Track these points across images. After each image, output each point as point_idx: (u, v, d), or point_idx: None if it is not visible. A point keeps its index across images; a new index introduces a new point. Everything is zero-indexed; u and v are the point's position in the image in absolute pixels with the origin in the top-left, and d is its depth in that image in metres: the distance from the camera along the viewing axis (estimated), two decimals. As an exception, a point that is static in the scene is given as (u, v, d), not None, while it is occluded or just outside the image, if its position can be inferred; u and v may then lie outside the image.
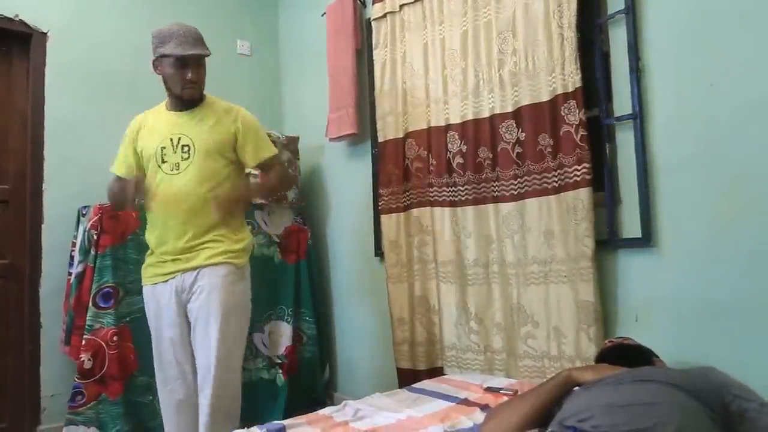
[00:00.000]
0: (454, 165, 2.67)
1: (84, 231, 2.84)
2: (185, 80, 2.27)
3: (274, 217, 3.37)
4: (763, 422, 1.35)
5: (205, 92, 2.42)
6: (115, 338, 2.73)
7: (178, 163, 2.29)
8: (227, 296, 2.29)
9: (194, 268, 2.28)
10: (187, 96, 2.31)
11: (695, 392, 1.39)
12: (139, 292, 2.81)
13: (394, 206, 2.98)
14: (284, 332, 3.34)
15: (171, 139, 2.32)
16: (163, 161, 2.31)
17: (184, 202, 2.26)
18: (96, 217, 2.79)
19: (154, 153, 2.32)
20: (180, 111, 2.37)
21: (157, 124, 2.38)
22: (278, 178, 2.54)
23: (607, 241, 2.23)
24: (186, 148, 2.30)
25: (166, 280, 2.32)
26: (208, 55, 2.32)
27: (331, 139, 3.43)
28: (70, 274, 2.92)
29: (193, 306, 2.29)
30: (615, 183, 2.24)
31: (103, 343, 2.71)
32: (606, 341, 2.01)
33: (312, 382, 3.43)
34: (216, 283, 2.27)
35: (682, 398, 1.37)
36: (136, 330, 2.79)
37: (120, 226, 2.82)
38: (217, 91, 3.78)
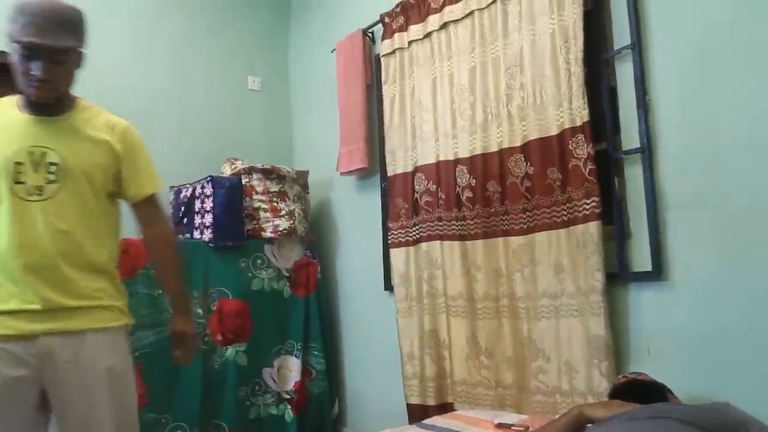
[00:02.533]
0: (463, 199, 2.68)
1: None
2: (29, 75, 1.68)
3: (284, 251, 3.38)
4: (779, 461, 1.33)
5: (76, 96, 1.88)
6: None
7: (41, 186, 1.73)
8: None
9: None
10: (33, 96, 1.74)
11: (710, 429, 1.37)
12: (150, 326, 2.83)
13: (404, 240, 2.99)
14: (293, 367, 3.31)
15: (30, 152, 1.73)
16: (17, 182, 1.72)
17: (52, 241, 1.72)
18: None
19: (2, 168, 1.72)
20: (40, 116, 1.78)
21: (8, 127, 1.77)
22: (177, 252, 2.07)
23: (618, 274, 2.21)
24: (54, 167, 1.74)
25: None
26: (70, 48, 1.72)
27: (341, 174, 3.46)
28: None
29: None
30: (624, 217, 2.23)
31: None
32: (619, 377, 1.98)
33: (321, 417, 3.39)
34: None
35: (696, 436, 1.35)
36: (146, 365, 2.77)
37: (130, 260, 2.83)
38: (228, 126, 3.87)
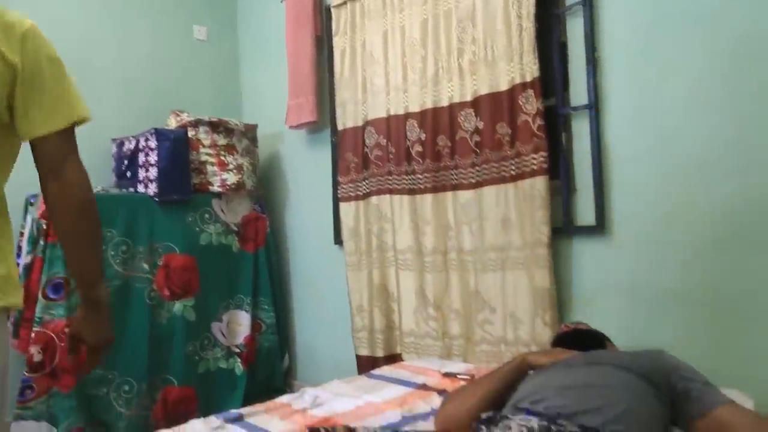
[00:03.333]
0: (413, 153, 2.68)
1: (32, 221, 2.75)
2: None
3: (232, 205, 3.33)
4: (706, 401, 1.41)
5: None
6: (66, 330, 2.66)
7: None
8: None
9: None
10: None
11: (644, 374, 1.44)
12: (92, 281, 2.75)
13: (353, 194, 2.98)
14: (243, 321, 3.31)
15: None
16: None
17: None
18: (45, 206, 2.70)
19: None
20: None
21: None
22: (89, 217, 1.40)
23: (563, 228, 2.27)
24: None
25: None
26: None
27: (290, 127, 3.40)
28: (17, 265, 2.83)
29: None
30: (571, 172, 2.28)
31: (53, 336, 2.63)
32: (561, 326, 2.05)
33: (271, 370, 3.41)
34: None
35: (631, 380, 1.41)
36: (89, 321, 2.72)
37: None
38: (173, 78, 3.74)
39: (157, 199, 2.99)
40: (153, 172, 3.00)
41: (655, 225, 2.06)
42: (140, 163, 3.06)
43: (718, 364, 1.74)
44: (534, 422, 1.23)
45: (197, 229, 3.16)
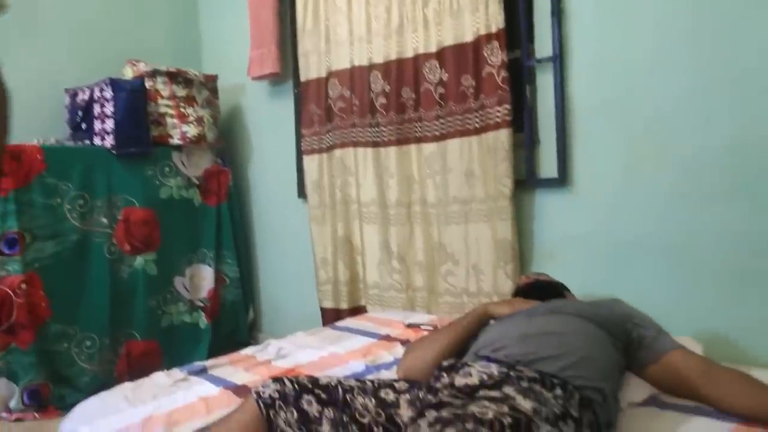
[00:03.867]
0: (377, 105, 2.65)
1: (-18, 175, 2.66)
2: None
3: (193, 159, 3.26)
4: (658, 347, 1.47)
5: None
6: (23, 286, 2.59)
7: None
8: None
9: None
10: None
11: (601, 322, 1.48)
12: (50, 237, 2.69)
13: (317, 147, 2.94)
14: (206, 275, 3.29)
15: None
16: None
17: None
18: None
19: None
20: None
21: None
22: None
23: (526, 181, 2.29)
24: None
25: None
26: None
27: (252, 79, 3.32)
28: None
29: None
30: (534, 124, 2.29)
31: (9, 292, 2.57)
32: (522, 277, 2.09)
33: (236, 324, 3.42)
34: None
35: (588, 328, 1.45)
36: (47, 277, 2.67)
37: (23, 167, 2.64)
38: (129, 25, 3.59)
39: (114, 152, 2.91)
40: (109, 124, 2.91)
41: (616, 178, 2.09)
42: (96, 114, 2.96)
43: (672, 313, 1.80)
44: (494, 369, 1.25)
45: (157, 182, 3.10)
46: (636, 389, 1.47)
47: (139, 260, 2.99)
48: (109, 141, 2.90)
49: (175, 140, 3.12)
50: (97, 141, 2.95)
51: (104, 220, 2.88)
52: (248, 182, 3.61)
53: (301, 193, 3.17)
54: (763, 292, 1.80)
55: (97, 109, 2.95)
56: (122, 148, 2.92)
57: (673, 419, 1.34)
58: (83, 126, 3.03)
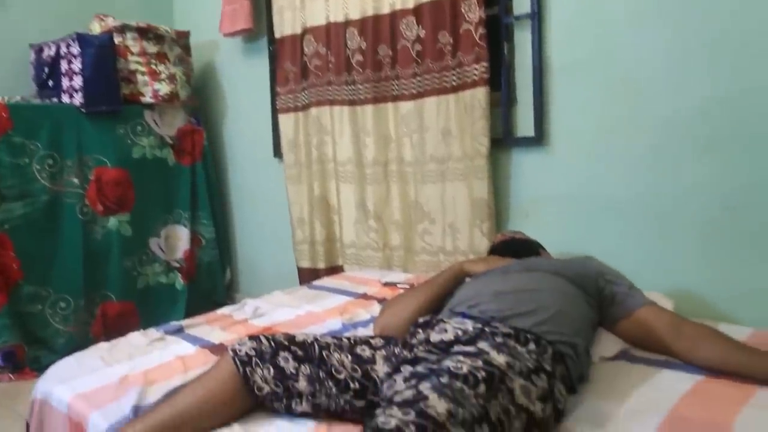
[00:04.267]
0: (354, 63, 2.61)
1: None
2: None
3: (166, 118, 3.19)
4: (629, 303, 1.50)
5: None
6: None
7: None
8: None
9: None
10: None
11: (574, 279, 1.50)
12: (19, 197, 2.64)
13: (293, 105, 2.90)
14: (181, 236, 3.26)
15: None
16: None
17: None
18: None
19: None
20: None
21: None
22: None
23: (503, 140, 2.29)
24: None
25: None
26: None
27: (225, 35, 3.23)
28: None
29: None
30: (512, 83, 2.27)
31: (-20, 253, 2.54)
32: (498, 235, 2.10)
33: (213, 284, 3.41)
34: None
35: (562, 285, 1.48)
36: (18, 238, 2.63)
37: (-10, 125, 2.57)
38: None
39: (84, 110, 2.84)
40: (78, 81, 2.83)
41: (592, 137, 2.09)
42: (63, 71, 2.87)
43: (645, 270, 1.83)
44: (469, 324, 1.27)
45: (129, 141, 3.03)
46: (607, 344, 1.50)
47: (112, 221, 2.95)
48: (77, 99, 2.83)
49: (147, 98, 3.05)
50: (65, 99, 2.87)
51: (75, 180, 2.82)
52: (223, 141, 3.56)
53: (277, 152, 3.14)
54: (732, 248, 1.83)
55: (64, 65, 2.86)
56: (92, 106, 2.84)
57: (643, 372, 1.37)
58: (50, 83, 2.95)
